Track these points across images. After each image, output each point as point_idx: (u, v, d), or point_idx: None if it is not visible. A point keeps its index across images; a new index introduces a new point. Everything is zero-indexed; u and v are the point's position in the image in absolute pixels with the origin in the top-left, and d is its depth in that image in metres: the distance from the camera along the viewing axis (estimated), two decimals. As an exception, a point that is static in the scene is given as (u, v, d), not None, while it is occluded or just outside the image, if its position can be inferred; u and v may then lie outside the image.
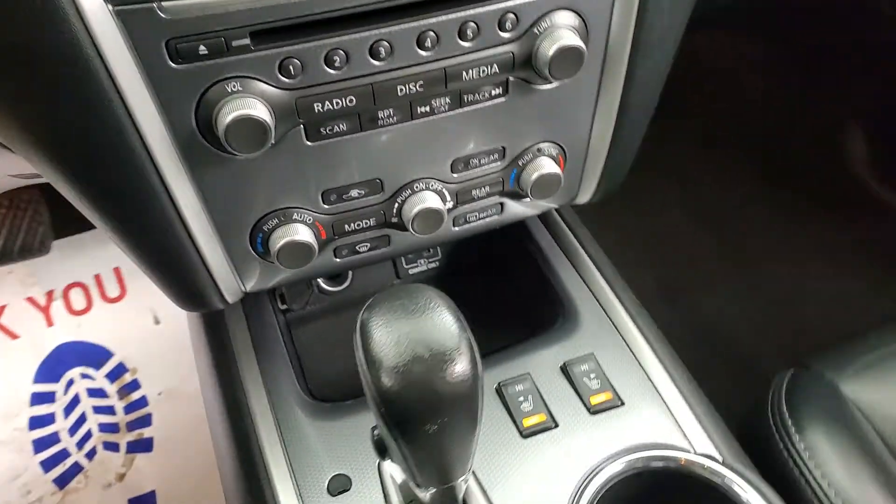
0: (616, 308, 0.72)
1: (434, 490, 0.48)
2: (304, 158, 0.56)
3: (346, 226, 0.61)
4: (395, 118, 0.56)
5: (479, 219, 0.67)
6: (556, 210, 0.83)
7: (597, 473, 0.58)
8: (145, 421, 1.39)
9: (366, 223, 0.62)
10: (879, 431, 0.68)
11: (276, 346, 0.72)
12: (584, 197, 0.72)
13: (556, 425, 0.62)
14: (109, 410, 1.41)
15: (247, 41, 0.48)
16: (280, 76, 0.51)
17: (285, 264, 0.59)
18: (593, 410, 0.63)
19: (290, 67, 0.50)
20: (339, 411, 0.65)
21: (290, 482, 0.60)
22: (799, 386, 0.72)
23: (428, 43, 0.53)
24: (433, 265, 0.91)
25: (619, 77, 0.62)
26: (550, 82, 0.58)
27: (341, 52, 0.51)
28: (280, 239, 0.58)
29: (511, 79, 0.57)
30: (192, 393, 1.41)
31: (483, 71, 0.56)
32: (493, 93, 0.58)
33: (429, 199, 0.60)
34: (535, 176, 0.63)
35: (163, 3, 0.46)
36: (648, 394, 0.64)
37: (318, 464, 0.61)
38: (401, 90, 0.54)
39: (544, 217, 0.83)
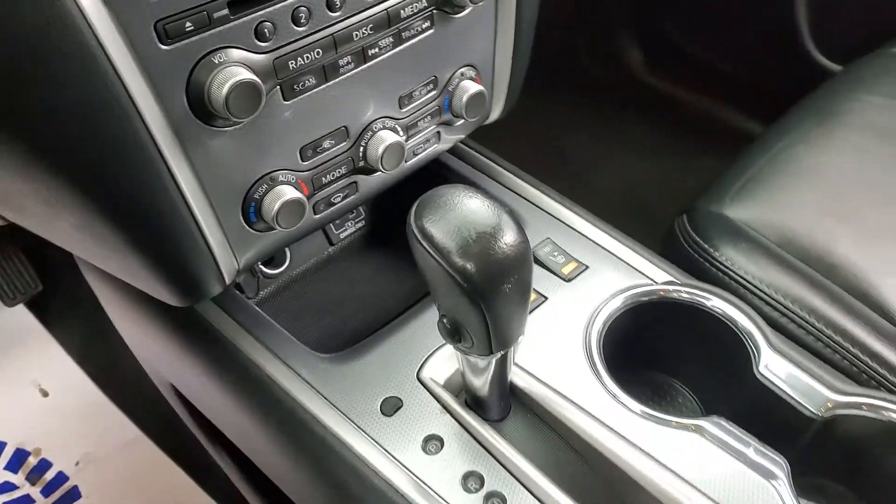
0: (545, 200, 0.83)
1: (497, 356, 0.55)
2: (282, 119, 0.60)
3: (324, 178, 0.66)
4: (352, 64, 0.62)
5: (425, 150, 0.75)
6: (462, 143, 0.93)
7: (598, 313, 0.69)
8: (73, 495, 1.29)
9: (338, 172, 0.67)
10: (766, 236, 0.86)
11: (266, 323, 0.74)
12: (495, 113, 0.82)
13: (546, 298, 0.72)
14: (27, 501, 1.29)
15: (226, 11, 0.52)
16: (257, 41, 0.55)
17: (284, 224, 0.63)
18: (568, 279, 0.74)
19: (265, 31, 0.55)
20: (355, 353, 0.70)
21: (343, 419, 0.65)
22: (696, 221, 0.88)
23: (373, -13, 0.60)
24: (360, 225, 0.96)
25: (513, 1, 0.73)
26: (465, 9, 0.68)
27: (304, 8, 0.56)
28: (275, 201, 0.62)
29: (435, 12, 0.66)
30: (112, 450, 1.34)
31: (415, 7, 0.64)
32: (424, 26, 0.66)
33: (388, 136, 0.67)
34: (465, 98, 0.72)
35: (148, -14, 0.49)
36: (601, 253, 0.77)
37: (363, 396, 0.66)
38: (356, 35, 0.61)
39: (454, 152, 0.93)
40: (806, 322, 0.77)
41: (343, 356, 0.70)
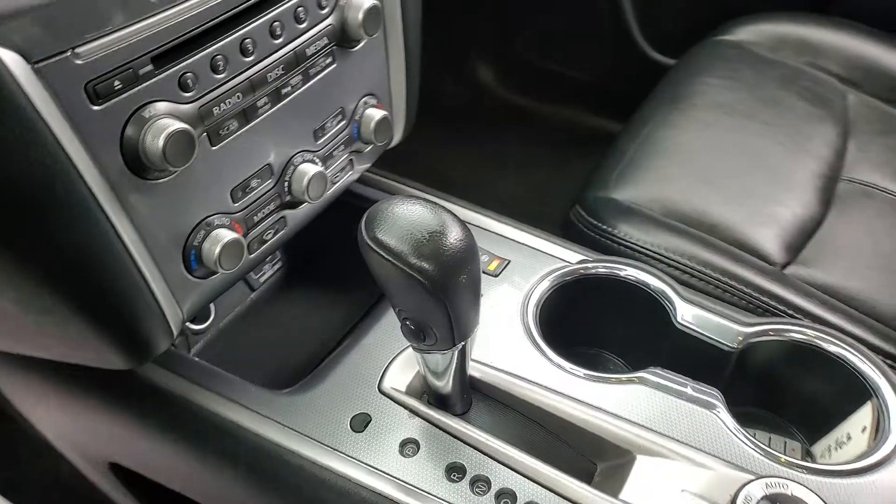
0: (457, 209, 0.89)
1: (459, 346, 0.60)
2: (211, 164, 0.62)
3: (255, 216, 0.69)
4: (269, 104, 0.65)
5: (341, 178, 0.79)
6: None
7: (530, 298, 0.75)
8: None
9: (268, 209, 0.70)
10: (652, 209, 0.96)
11: (212, 372, 0.75)
12: (397, 136, 0.87)
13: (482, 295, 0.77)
14: None
15: (150, 66, 0.55)
16: (181, 92, 0.57)
17: (226, 266, 0.64)
18: (495, 274, 0.80)
19: (188, 81, 0.57)
20: (312, 382, 0.72)
21: (316, 444, 0.66)
22: (588, 208, 0.97)
23: (278, 31, 0.64)
24: (278, 266, 0.98)
25: (399, 30, 0.79)
26: (360, 42, 0.73)
27: (221, 56, 0.59)
28: (215, 245, 0.63)
29: (335, 48, 0.70)
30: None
31: (318, 45, 0.68)
32: (327, 62, 0.70)
33: (310, 168, 0.71)
34: (373, 124, 0.77)
35: (76, 50, 0.50)
36: (518, 248, 0.83)
37: (330, 419, 0.68)
38: (269, 77, 0.64)
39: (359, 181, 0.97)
40: (703, 274, 0.87)
41: (301, 387, 0.72)
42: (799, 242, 0.98)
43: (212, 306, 0.91)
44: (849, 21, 1.31)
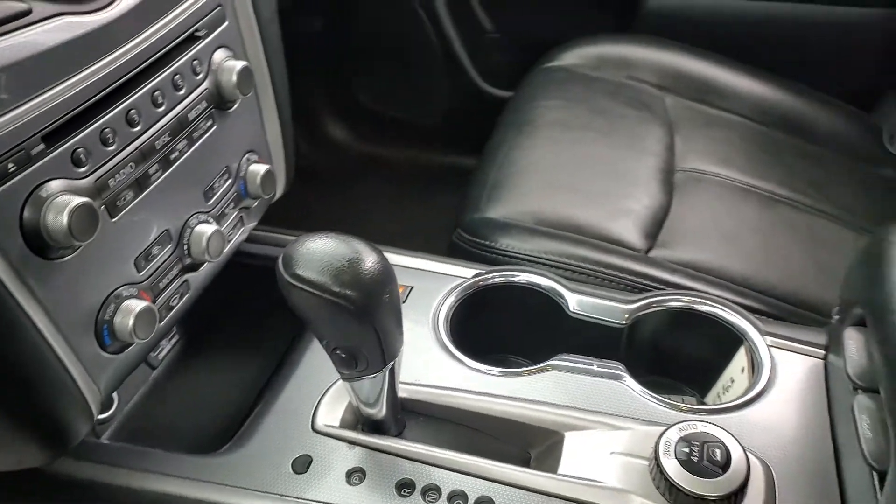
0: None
1: (389, 367, 0.63)
2: (113, 236, 0.62)
3: (160, 283, 0.69)
4: (160, 171, 0.66)
5: (234, 236, 0.80)
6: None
7: (439, 314, 0.80)
8: None
9: (172, 274, 0.70)
10: (525, 221, 1.05)
11: (134, 451, 0.72)
12: (280, 189, 0.90)
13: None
14: None
15: (42, 146, 0.55)
16: (75, 168, 0.58)
17: (142, 336, 0.64)
18: (403, 300, 0.84)
19: (81, 157, 0.58)
20: (242, 439, 0.72)
21: (261, 495, 0.66)
22: (469, 229, 1.04)
23: (160, 100, 0.65)
24: (175, 340, 0.96)
25: (269, 88, 0.82)
26: (236, 103, 0.76)
27: (109, 129, 0.60)
28: (128, 316, 0.63)
29: (214, 110, 0.73)
30: None
31: (198, 109, 0.70)
32: (208, 125, 0.72)
33: (207, 228, 0.72)
34: (258, 179, 0.80)
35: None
36: (417, 273, 0.87)
37: (270, 468, 0.68)
38: (157, 144, 0.65)
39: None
40: (582, 267, 0.96)
41: (233, 445, 0.72)
42: (654, 229, 1.10)
43: (114, 394, 0.88)
44: (653, 37, 1.49)
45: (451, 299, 0.83)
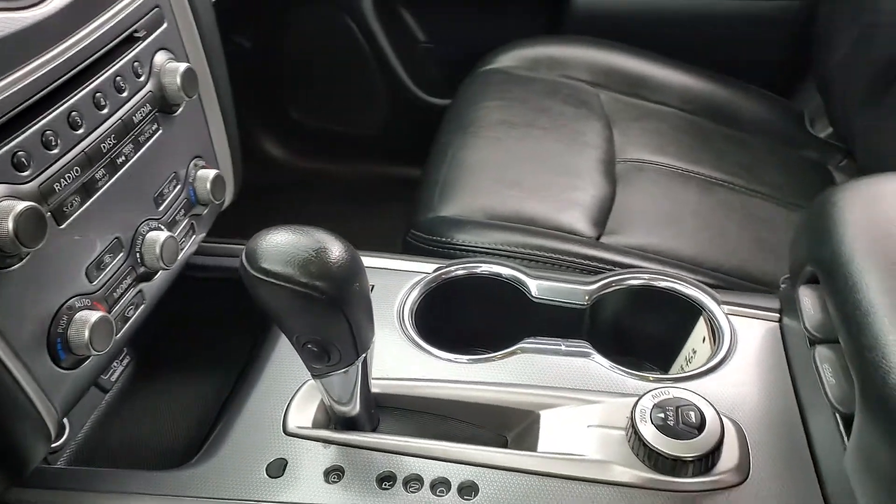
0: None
1: (362, 358, 0.62)
2: (61, 244, 0.60)
3: (115, 293, 0.66)
4: (107, 176, 0.64)
5: (187, 243, 0.78)
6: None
7: (404, 308, 0.79)
8: None
9: (125, 284, 0.67)
10: (477, 217, 1.05)
11: (96, 474, 0.69)
12: (228, 196, 0.88)
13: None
14: None
15: (-20, 149, 0.52)
16: (17, 172, 0.55)
17: (99, 348, 0.61)
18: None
19: (22, 160, 0.55)
20: (212, 449, 0.69)
21: (235, 503, 0.64)
22: (423, 229, 1.04)
23: (102, 102, 0.63)
24: (127, 361, 0.93)
25: (212, 92, 0.81)
26: (181, 106, 0.74)
27: (50, 132, 0.58)
28: (83, 328, 0.60)
29: (158, 114, 0.71)
30: None
31: (143, 112, 0.68)
32: (153, 129, 0.70)
33: (159, 235, 0.70)
34: (208, 184, 0.78)
35: None
36: (375, 271, 0.85)
37: (244, 474, 0.66)
38: (104, 147, 0.63)
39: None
40: (539, 255, 0.97)
41: (202, 457, 0.69)
42: (602, 218, 1.12)
43: (65, 420, 0.83)
44: (583, 37, 1.53)
45: (415, 294, 0.82)
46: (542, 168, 1.18)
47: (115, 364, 0.91)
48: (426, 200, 1.13)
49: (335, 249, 0.55)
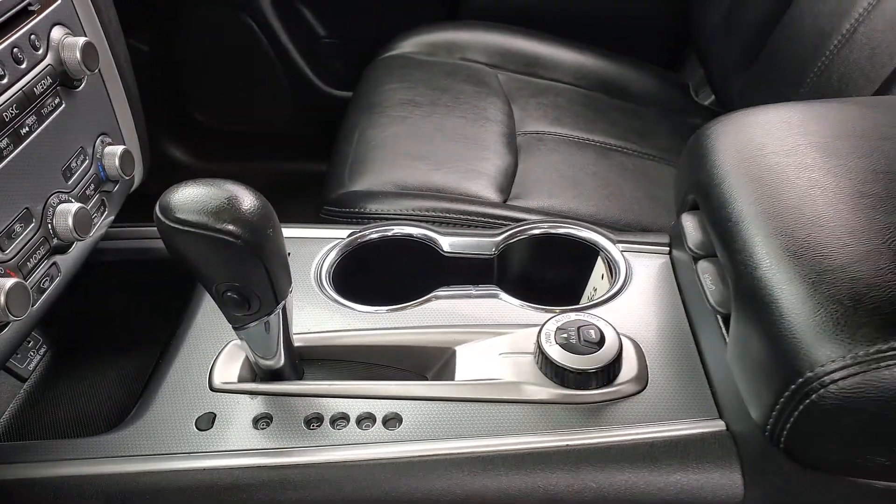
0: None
1: (282, 304, 0.65)
2: (-32, 212, 0.60)
3: (28, 262, 0.66)
4: (12, 146, 0.64)
5: (100, 221, 0.78)
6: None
7: (322, 266, 0.83)
8: None
9: (39, 255, 0.68)
10: (389, 188, 1.09)
11: (19, 445, 0.69)
12: (138, 176, 0.89)
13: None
14: None
15: None
16: (-81, 137, 0.55)
17: (17, 313, 0.61)
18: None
19: (-76, 125, 0.55)
20: (141, 410, 0.70)
21: (168, 457, 0.65)
22: (334, 203, 1.08)
23: (1, 72, 0.63)
24: (43, 351, 0.91)
25: (113, 69, 0.81)
26: (83, 82, 0.75)
27: (-49, 99, 0.58)
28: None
29: (59, 87, 0.72)
30: None
31: (43, 84, 0.69)
32: (56, 102, 0.71)
33: (70, 207, 0.70)
34: (116, 160, 0.79)
35: None
36: (291, 240, 0.88)
37: (173, 431, 0.67)
38: (6, 116, 0.63)
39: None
40: (448, 216, 1.02)
41: (129, 420, 0.70)
42: (506, 185, 1.18)
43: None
44: (478, 22, 1.60)
45: (331, 257, 0.85)
46: (448, 142, 1.24)
47: (31, 354, 0.90)
48: (337, 177, 1.16)
49: (247, 197, 0.58)
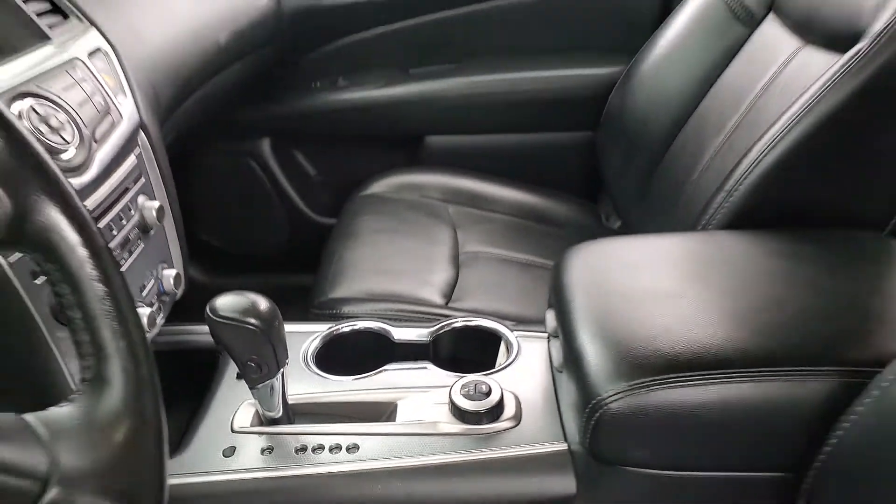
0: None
1: (282, 371, 1.01)
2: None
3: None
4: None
5: (159, 320, 1.16)
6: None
7: (308, 348, 1.20)
8: None
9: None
10: (359, 295, 1.48)
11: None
12: (180, 292, 1.27)
13: (274, 364, 1.19)
14: None
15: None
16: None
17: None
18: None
19: (74, 262, 0.94)
20: (182, 444, 1.05)
21: (196, 474, 1.00)
22: (321, 306, 1.46)
23: (113, 229, 1.03)
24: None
25: (171, 219, 1.22)
26: (153, 229, 1.14)
27: (87, 245, 0.97)
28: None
29: (141, 233, 1.11)
30: None
31: (132, 233, 1.08)
32: (138, 243, 1.10)
33: (143, 311, 1.08)
34: (171, 280, 1.17)
35: None
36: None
37: (206, 456, 1.02)
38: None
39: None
40: (402, 314, 1.40)
41: (179, 449, 1.04)
42: (449, 292, 1.57)
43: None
44: (435, 166, 2.05)
45: (315, 343, 1.22)
46: (406, 260, 1.64)
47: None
48: (321, 287, 1.55)
49: (262, 302, 0.96)
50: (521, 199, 2.00)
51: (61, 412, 0.51)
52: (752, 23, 1.59)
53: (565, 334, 1.01)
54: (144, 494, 0.54)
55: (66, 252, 0.55)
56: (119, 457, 0.51)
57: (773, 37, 1.50)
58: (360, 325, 1.28)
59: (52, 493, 0.46)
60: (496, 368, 1.17)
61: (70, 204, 0.57)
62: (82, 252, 0.55)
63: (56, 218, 0.54)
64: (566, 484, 0.98)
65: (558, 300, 1.08)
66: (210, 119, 1.79)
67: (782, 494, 0.91)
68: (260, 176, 2.24)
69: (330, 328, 1.27)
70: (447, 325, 1.28)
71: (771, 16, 1.54)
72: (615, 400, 0.88)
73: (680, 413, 0.88)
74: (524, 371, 1.16)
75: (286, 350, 1.01)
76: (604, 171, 2.03)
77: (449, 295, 1.56)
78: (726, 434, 0.89)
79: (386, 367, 1.18)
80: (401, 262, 1.64)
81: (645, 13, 2.03)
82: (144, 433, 0.55)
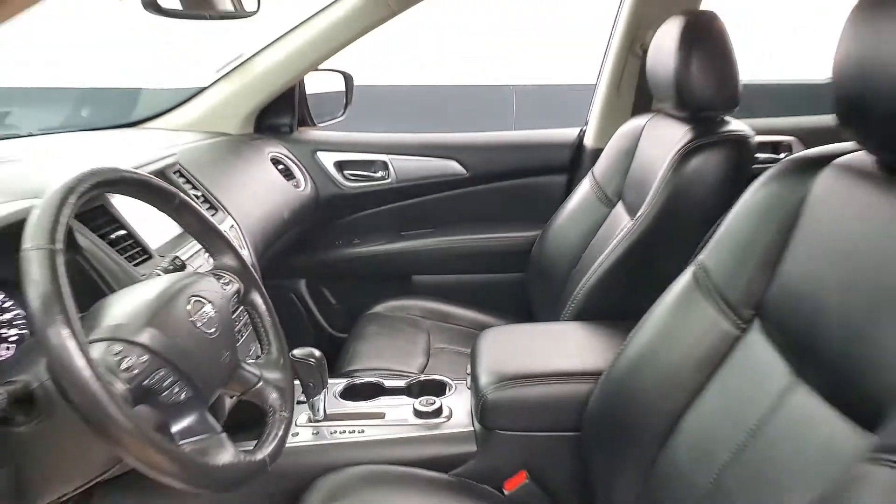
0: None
1: (324, 391, 1.92)
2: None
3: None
4: (238, 337, 1.97)
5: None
6: None
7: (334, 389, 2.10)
8: None
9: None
10: (364, 371, 2.39)
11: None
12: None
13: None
14: None
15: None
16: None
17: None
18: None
19: (224, 328, 1.88)
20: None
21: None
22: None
23: (239, 314, 1.99)
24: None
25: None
26: (254, 319, 2.10)
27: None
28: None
29: (249, 320, 2.06)
30: None
31: (246, 319, 2.04)
32: (248, 325, 2.05)
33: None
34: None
35: None
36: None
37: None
38: (239, 328, 1.97)
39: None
40: (391, 375, 2.32)
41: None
42: (422, 368, 2.48)
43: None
44: (420, 294, 3.03)
45: (341, 388, 2.13)
46: (393, 354, 2.56)
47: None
48: (344, 361, 2.47)
49: (316, 352, 1.90)
50: (474, 317, 2.96)
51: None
52: (610, 205, 2.62)
53: (473, 367, 1.93)
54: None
55: (259, 307, 1.52)
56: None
57: (617, 214, 2.53)
58: (365, 379, 2.19)
59: None
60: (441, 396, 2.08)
61: (260, 289, 1.54)
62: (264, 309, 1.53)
63: (255, 294, 1.52)
64: (469, 446, 1.87)
65: (472, 353, 2.01)
66: (272, 264, 2.80)
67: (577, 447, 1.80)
68: (296, 304, 3.22)
69: (349, 380, 2.18)
70: (416, 378, 2.19)
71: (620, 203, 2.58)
72: (491, 392, 1.80)
73: (524, 399, 1.79)
74: (456, 397, 2.06)
75: (327, 381, 1.93)
76: (532, 301, 3.00)
77: (422, 369, 2.48)
78: (545, 410, 1.80)
79: (379, 398, 2.08)
80: (389, 355, 2.57)
81: (555, 194, 3.10)
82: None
